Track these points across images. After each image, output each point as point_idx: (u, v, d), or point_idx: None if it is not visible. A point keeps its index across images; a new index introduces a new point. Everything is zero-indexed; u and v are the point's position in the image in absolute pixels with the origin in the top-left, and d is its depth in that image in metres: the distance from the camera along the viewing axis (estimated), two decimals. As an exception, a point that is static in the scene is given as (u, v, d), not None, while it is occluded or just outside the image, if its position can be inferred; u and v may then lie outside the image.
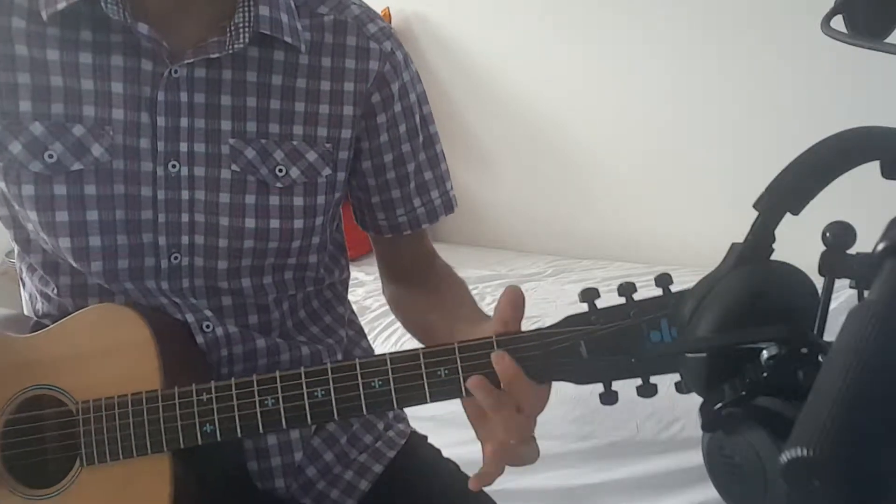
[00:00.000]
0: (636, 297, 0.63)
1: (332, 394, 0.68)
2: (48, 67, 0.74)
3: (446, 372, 0.66)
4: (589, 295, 0.64)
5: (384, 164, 0.86)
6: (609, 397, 0.65)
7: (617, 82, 2.44)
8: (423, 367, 0.67)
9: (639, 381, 0.64)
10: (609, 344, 0.63)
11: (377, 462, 0.91)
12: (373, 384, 0.67)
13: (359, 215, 0.92)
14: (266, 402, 0.69)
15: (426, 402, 0.67)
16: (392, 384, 0.67)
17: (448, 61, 2.76)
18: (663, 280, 0.62)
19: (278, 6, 0.78)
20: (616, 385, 0.65)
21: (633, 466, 1.58)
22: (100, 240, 0.75)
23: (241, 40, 0.76)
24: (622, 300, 0.64)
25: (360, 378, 0.67)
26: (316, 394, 0.68)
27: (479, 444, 0.68)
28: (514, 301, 0.68)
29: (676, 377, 0.62)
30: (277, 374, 0.69)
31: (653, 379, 0.64)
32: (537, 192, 2.69)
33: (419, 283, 0.95)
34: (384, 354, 0.68)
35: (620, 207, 2.53)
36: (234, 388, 0.69)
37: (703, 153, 2.33)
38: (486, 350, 0.66)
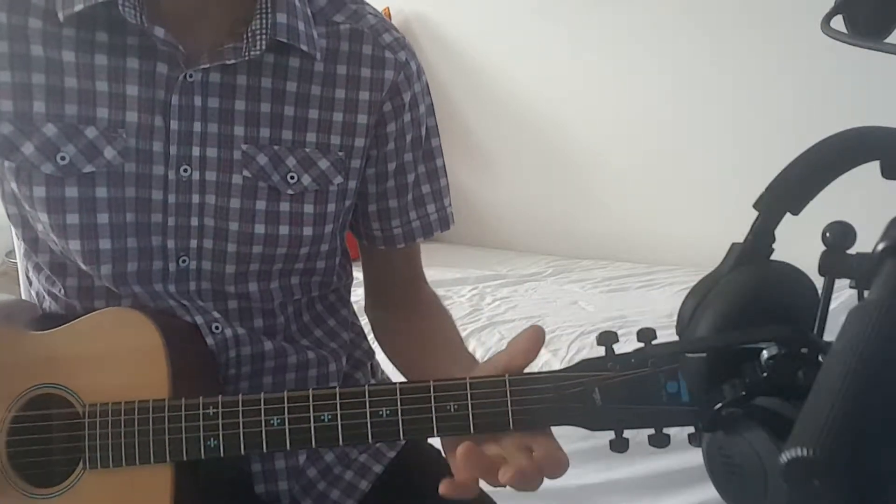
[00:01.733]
0: (654, 342, 0.61)
1: (339, 419, 0.67)
2: (63, 68, 0.74)
3: (456, 407, 0.65)
4: (607, 339, 0.63)
5: (387, 171, 0.86)
6: (619, 445, 0.63)
7: (617, 82, 2.45)
8: (432, 399, 0.65)
9: (651, 430, 0.62)
10: (624, 393, 0.61)
11: (377, 462, 0.91)
12: (380, 413, 0.66)
13: (353, 224, 0.92)
14: (272, 421, 0.68)
15: (433, 436, 0.66)
16: (400, 415, 0.66)
17: (448, 61, 2.76)
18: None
19: (295, 13, 0.77)
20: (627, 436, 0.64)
21: (633, 466, 1.58)
22: (110, 243, 0.75)
23: (258, 47, 0.76)
24: (640, 345, 0.61)
25: (367, 406, 0.66)
26: (322, 417, 0.67)
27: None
28: (536, 338, 0.67)
29: (690, 428, 0.60)
30: (285, 394, 0.68)
31: (666, 430, 0.62)
32: (537, 192, 2.69)
33: (405, 308, 0.94)
34: (394, 384, 0.67)
35: (620, 207, 2.53)
36: (240, 404, 0.69)
37: (703, 153, 2.33)
38: (499, 388, 0.64)
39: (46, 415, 0.74)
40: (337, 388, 0.68)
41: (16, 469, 0.74)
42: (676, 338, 0.58)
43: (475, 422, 0.65)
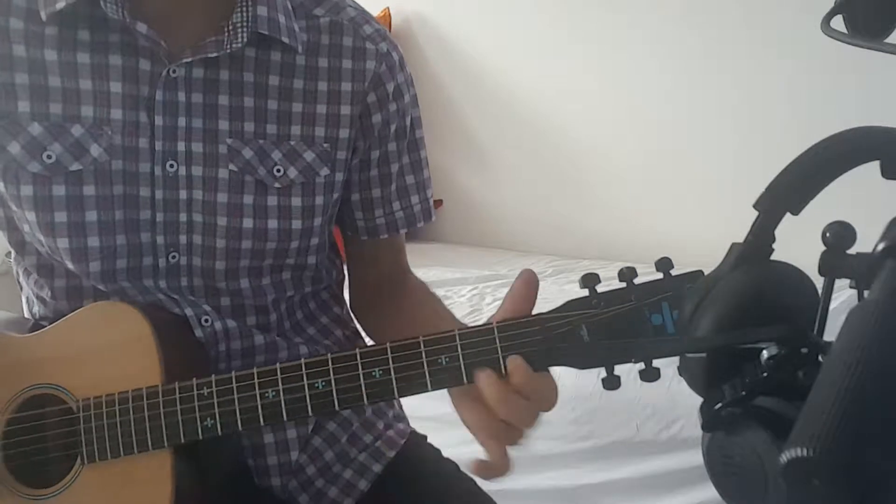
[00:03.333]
0: (637, 281, 0.63)
1: (333, 384, 0.67)
2: (46, 67, 0.74)
3: (447, 359, 0.66)
4: (590, 280, 0.64)
5: (370, 160, 0.86)
6: (611, 382, 0.65)
7: (617, 82, 2.44)
8: (423, 354, 0.66)
9: (641, 366, 0.63)
10: (610, 327, 0.63)
11: (377, 461, 0.91)
12: (373, 373, 0.67)
13: (337, 214, 0.92)
14: (267, 394, 0.68)
15: (427, 391, 0.66)
16: (393, 373, 0.66)
17: (448, 61, 2.76)
18: (664, 264, 0.63)
19: (276, 7, 0.78)
20: (618, 373, 0.65)
21: (633, 466, 1.58)
22: (98, 240, 0.75)
23: (240, 40, 0.76)
24: (623, 285, 0.64)
25: (360, 368, 0.67)
26: (317, 385, 0.68)
27: (478, 445, 0.68)
28: (529, 281, 0.67)
29: (678, 360, 0.62)
30: (278, 366, 0.69)
31: (656, 364, 0.63)
32: (537, 192, 2.69)
33: (391, 299, 0.94)
34: (384, 343, 0.67)
35: (620, 207, 2.53)
36: (234, 381, 0.69)
37: (703, 153, 2.33)
38: (488, 336, 0.65)
39: (40, 415, 0.74)
40: (329, 355, 0.68)
41: (13, 472, 0.74)
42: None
43: (468, 371, 0.65)
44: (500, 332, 0.65)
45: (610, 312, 0.63)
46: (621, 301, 0.63)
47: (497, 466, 0.66)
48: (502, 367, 0.65)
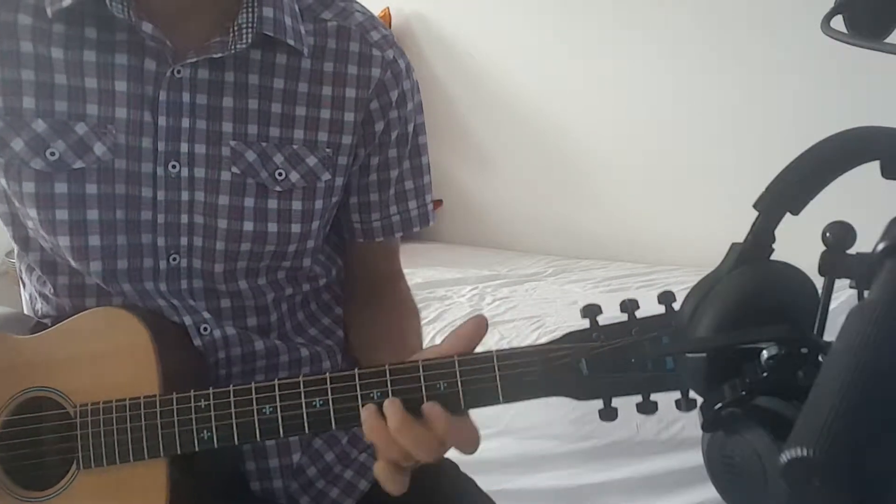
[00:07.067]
0: (638, 314, 0.63)
1: (331, 404, 0.67)
2: (52, 65, 0.74)
3: (445, 385, 0.66)
4: (591, 311, 0.64)
5: (370, 165, 0.86)
6: (609, 414, 0.64)
7: (617, 82, 2.44)
8: (422, 379, 0.66)
9: (639, 398, 0.63)
10: (610, 361, 0.62)
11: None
12: (371, 395, 0.67)
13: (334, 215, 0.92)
14: (264, 410, 0.68)
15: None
16: (391, 396, 0.66)
17: (448, 61, 2.76)
18: (666, 298, 0.62)
19: (282, 8, 0.78)
20: (616, 401, 0.65)
21: (633, 466, 1.58)
22: (99, 239, 0.75)
23: (245, 40, 0.76)
24: (624, 316, 0.63)
25: (358, 389, 0.67)
26: (314, 403, 0.68)
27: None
28: (480, 325, 0.68)
29: (677, 394, 0.62)
30: (276, 382, 0.69)
31: (653, 396, 0.63)
32: (537, 192, 2.69)
33: (375, 303, 0.94)
34: (383, 365, 0.67)
35: (620, 207, 2.53)
36: (232, 395, 0.69)
37: (703, 153, 2.33)
38: (488, 364, 0.65)
39: (37, 418, 0.74)
40: (328, 374, 0.68)
41: (9, 474, 0.74)
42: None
43: (465, 398, 0.66)
44: (499, 361, 0.65)
45: (610, 346, 0.62)
46: (622, 335, 0.62)
47: (385, 484, 0.67)
48: (499, 395, 0.65)
